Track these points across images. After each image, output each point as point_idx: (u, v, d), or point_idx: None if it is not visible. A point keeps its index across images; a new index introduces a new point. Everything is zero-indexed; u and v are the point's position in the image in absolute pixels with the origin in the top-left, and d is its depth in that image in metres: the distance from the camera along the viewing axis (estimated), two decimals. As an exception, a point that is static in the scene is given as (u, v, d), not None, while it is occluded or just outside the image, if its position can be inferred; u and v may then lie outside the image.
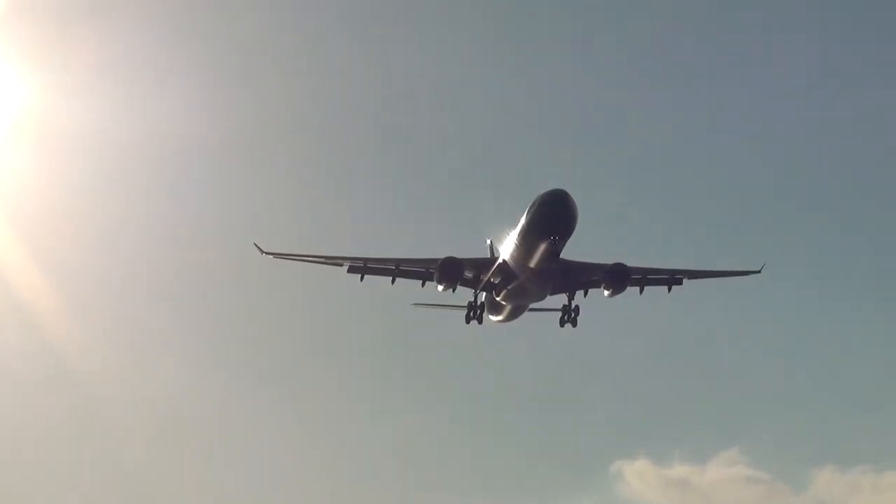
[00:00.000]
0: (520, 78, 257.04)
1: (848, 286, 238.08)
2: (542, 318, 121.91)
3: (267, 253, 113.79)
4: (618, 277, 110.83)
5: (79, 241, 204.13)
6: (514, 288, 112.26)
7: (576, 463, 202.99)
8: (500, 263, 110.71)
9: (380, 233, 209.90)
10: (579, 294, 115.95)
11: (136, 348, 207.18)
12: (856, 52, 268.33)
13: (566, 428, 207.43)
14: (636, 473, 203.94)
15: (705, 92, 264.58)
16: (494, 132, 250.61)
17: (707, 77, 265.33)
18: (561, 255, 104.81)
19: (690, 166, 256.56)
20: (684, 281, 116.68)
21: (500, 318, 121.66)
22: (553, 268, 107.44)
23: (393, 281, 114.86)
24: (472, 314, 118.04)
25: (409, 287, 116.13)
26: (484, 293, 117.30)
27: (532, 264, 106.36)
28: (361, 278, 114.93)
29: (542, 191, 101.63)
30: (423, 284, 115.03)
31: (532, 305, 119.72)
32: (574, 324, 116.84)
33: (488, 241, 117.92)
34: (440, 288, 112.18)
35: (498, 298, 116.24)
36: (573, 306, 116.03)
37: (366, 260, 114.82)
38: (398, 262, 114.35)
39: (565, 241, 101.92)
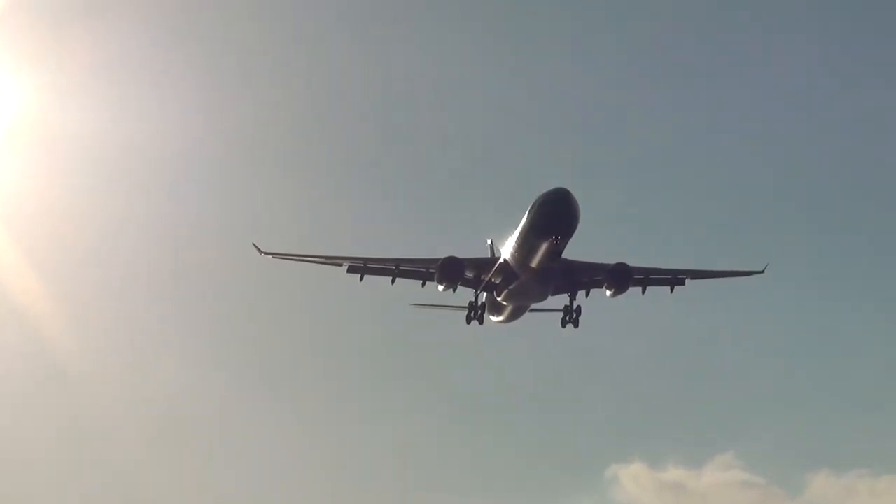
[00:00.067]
0: (520, 78, 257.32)
1: (849, 286, 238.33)
2: (543, 318, 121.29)
3: (266, 253, 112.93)
4: (620, 277, 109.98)
5: (77, 241, 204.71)
6: (516, 288, 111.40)
7: (572, 466, 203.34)
8: (501, 263, 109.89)
9: (379, 233, 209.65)
10: (581, 294, 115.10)
11: (135, 348, 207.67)
12: (856, 52, 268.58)
13: (563, 431, 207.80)
14: (632, 477, 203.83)
15: (705, 92, 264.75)
16: (494, 132, 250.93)
17: (707, 77, 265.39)
18: (563, 255, 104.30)
19: (692, 166, 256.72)
20: (687, 281, 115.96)
21: (500, 318, 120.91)
22: (555, 267, 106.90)
23: (393, 281, 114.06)
24: (472, 314, 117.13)
25: (409, 287, 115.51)
26: (485, 293, 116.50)
27: (533, 264, 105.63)
28: (361, 278, 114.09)
29: (544, 190, 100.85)
30: (423, 285, 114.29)
31: (533, 306, 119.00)
32: (576, 324, 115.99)
33: (488, 241, 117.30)
34: (441, 288, 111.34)
35: (499, 299, 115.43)
36: (575, 307, 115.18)
37: (365, 260, 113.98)
38: (398, 262, 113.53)
39: (567, 240, 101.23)
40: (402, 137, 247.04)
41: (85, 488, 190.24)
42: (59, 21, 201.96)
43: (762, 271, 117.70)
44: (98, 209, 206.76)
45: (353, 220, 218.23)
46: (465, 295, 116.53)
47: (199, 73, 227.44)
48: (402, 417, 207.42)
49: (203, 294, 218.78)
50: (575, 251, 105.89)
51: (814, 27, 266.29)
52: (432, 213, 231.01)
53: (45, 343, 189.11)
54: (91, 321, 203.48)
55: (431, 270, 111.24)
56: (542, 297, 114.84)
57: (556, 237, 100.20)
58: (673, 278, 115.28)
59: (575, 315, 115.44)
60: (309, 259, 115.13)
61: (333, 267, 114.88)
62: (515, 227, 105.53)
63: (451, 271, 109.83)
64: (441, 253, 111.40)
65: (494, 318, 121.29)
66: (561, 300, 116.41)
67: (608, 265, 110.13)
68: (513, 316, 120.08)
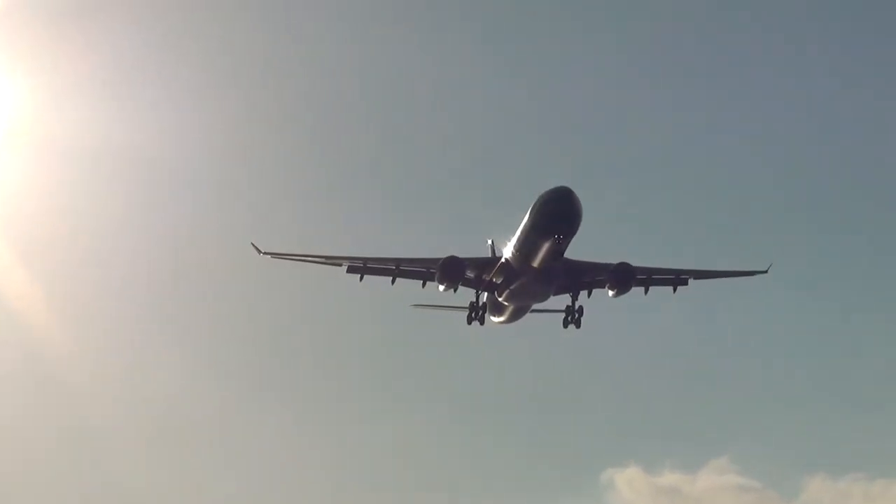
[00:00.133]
0: (520, 78, 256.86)
1: (853, 287, 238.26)
2: (544, 319, 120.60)
3: (265, 253, 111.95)
4: (623, 277, 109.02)
5: (75, 241, 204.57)
6: (517, 288, 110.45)
7: (567, 471, 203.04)
8: (502, 263, 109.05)
9: (379, 233, 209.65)
10: (582, 295, 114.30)
11: (134, 349, 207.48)
12: (856, 52, 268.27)
13: (560, 434, 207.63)
14: (627, 481, 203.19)
15: (705, 92, 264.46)
16: (494, 132, 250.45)
17: (707, 77, 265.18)
18: (565, 255, 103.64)
19: (694, 166, 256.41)
20: (690, 281, 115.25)
21: (502, 319, 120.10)
22: (557, 267, 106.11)
23: (393, 281, 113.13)
24: (473, 315, 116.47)
25: (409, 287, 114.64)
26: (486, 294, 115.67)
27: (535, 263, 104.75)
28: (361, 279, 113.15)
29: (545, 189, 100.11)
30: (423, 285, 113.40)
31: (535, 306, 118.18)
32: (578, 325, 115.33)
33: (489, 241, 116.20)
34: (441, 288, 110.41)
35: (500, 299, 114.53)
36: (577, 307, 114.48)
37: (365, 260, 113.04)
38: (398, 261, 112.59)
39: (570, 239, 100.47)
40: (402, 137, 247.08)
41: (85, 489, 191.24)
42: (54, 23, 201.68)
43: (766, 271, 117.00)
44: (96, 209, 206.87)
45: (353, 220, 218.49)
46: (465, 296, 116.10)
47: (198, 72, 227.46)
48: (403, 418, 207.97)
49: (202, 294, 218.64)
50: (577, 251, 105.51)
51: (814, 27, 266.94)
52: (432, 213, 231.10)
53: (43, 344, 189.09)
54: (90, 322, 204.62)
55: (432, 270, 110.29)
56: (544, 298, 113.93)
57: (559, 236, 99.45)
58: (676, 278, 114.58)
59: (577, 315, 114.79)
60: (308, 259, 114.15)
61: (333, 267, 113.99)
62: (517, 227, 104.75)
63: (452, 271, 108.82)
64: (441, 253, 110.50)
65: (495, 319, 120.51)
66: (562, 301, 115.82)
67: (611, 265, 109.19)
68: (514, 316, 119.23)
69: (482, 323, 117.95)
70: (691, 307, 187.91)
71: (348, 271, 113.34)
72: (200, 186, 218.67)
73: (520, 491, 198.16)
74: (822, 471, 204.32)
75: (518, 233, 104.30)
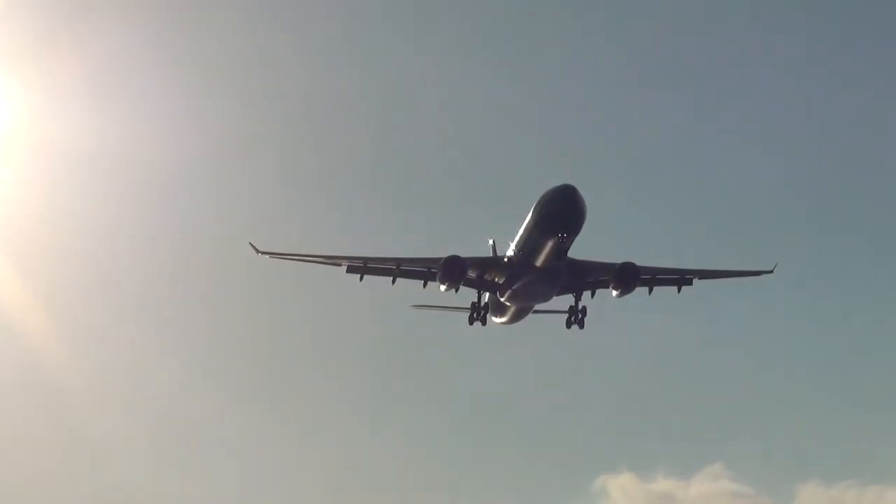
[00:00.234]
0: (520, 78, 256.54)
1: (856, 287, 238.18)
2: (547, 319, 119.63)
3: (263, 253, 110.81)
4: (627, 277, 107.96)
5: (72, 243, 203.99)
6: (520, 288, 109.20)
7: (560, 477, 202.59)
8: (504, 262, 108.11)
9: (379, 233, 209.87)
10: (586, 295, 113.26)
11: (133, 349, 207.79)
12: (856, 52, 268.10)
13: (555, 439, 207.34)
14: (620, 488, 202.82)
15: (705, 92, 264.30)
16: (494, 132, 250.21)
17: (707, 77, 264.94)
18: (568, 254, 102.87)
19: (697, 166, 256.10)
20: (694, 281, 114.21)
21: (504, 319, 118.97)
22: (560, 266, 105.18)
23: (393, 281, 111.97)
24: (475, 315, 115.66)
25: (409, 287, 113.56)
26: (488, 294, 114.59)
27: (538, 263, 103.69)
28: (361, 279, 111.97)
29: (547, 188, 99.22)
30: (424, 285, 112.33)
31: (537, 307, 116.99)
32: (581, 325, 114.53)
33: (490, 241, 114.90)
34: (443, 288, 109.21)
35: (502, 299, 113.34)
36: (580, 307, 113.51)
37: (365, 259, 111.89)
38: (399, 261, 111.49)
39: (573, 238, 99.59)
40: (402, 137, 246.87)
41: (84, 489, 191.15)
42: (50, 26, 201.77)
43: (771, 271, 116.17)
44: (94, 211, 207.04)
45: (353, 220, 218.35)
46: (466, 296, 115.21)
47: (195, 73, 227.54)
48: (403, 418, 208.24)
49: (201, 295, 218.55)
50: (580, 250, 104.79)
51: (814, 27, 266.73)
52: (432, 213, 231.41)
53: (41, 345, 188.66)
54: (88, 322, 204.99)
55: (433, 270, 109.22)
56: (547, 297, 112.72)
57: (562, 235, 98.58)
58: (680, 278, 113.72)
59: (580, 316, 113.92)
60: (307, 259, 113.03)
61: (332, 267, 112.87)
62: (517, 227, 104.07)
63: (453, 270, 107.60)
64: (442, 253, 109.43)
65: (497, 319, 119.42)
66: (564, 301, 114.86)
67: (615, 265, 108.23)
68: (516, 317, 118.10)
69: (484, 323, 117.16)
70: (696, 308, 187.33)
71: (348, 271, 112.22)
72: (198, 186, 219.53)
73: (513, 497, 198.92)
74: (815, 477, 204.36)
75: (521, 231, 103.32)
